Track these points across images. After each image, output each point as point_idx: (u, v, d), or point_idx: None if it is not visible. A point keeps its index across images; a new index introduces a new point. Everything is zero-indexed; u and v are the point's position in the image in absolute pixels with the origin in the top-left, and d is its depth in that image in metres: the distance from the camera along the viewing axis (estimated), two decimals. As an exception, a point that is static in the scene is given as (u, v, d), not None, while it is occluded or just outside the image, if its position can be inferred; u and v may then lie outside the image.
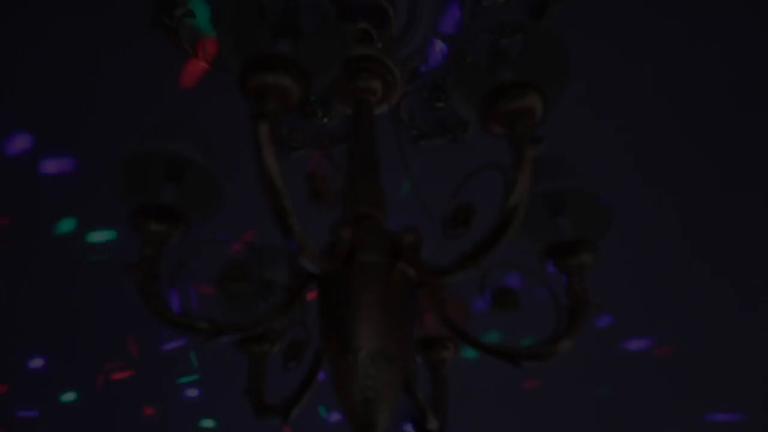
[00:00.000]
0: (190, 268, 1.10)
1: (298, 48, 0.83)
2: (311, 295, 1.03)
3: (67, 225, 1.99)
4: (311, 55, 0.85)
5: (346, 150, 1.12)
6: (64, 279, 2.21)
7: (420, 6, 1.44)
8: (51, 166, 1.80)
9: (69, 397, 2.73)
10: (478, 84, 0.88)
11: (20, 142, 1.74)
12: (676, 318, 2.40)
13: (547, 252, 0.98)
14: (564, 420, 2.92)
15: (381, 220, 1.00)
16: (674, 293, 2.28)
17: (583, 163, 1.79)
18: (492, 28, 0.89)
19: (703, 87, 1.62)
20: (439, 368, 1.11)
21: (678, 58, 1.56)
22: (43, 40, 1.50)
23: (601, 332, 2.43)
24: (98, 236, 2.05)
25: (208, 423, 2.88)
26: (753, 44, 1.51)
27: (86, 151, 1.76)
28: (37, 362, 2.55)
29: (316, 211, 1.00)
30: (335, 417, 2.83)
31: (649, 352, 2.53)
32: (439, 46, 1.57)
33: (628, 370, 2.64)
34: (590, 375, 2.66)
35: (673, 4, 1.44)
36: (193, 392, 2.71)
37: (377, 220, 1.00)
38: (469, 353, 2.56)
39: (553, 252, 0.98)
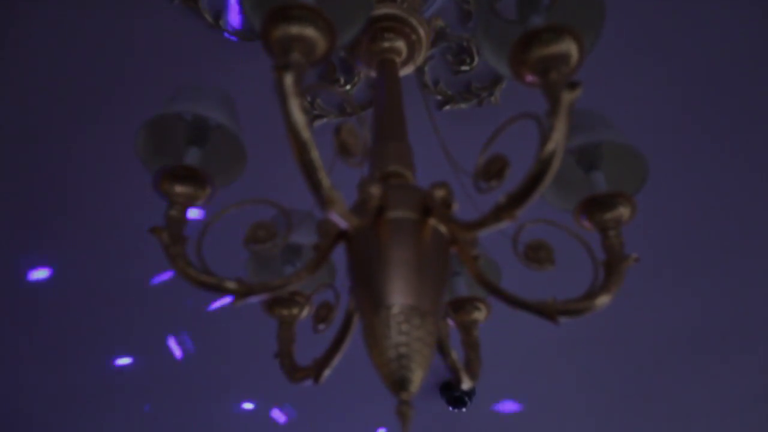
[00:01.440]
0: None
1: (323, -1, 0.81)
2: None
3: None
4: (336, 6, 0.82)
5: (372, 112, 1.10)
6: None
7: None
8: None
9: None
10: (509, 31, 0.85)
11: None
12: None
13: (581, 207, 0.95)
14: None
15: (410, 178, 0.98)
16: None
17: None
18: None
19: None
20: (471, 329, 1.09)
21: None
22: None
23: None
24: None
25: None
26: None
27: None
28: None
29: (345, 172, 0.98)
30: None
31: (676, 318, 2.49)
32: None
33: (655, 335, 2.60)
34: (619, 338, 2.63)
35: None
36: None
37: (406, 178, 0.98)
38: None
39: (589, 207, 0.95)
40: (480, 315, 1.11)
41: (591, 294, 0.87)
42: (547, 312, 0.86)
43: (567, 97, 0.74)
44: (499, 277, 1.09)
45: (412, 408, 0.75)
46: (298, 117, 0.74)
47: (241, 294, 0.86)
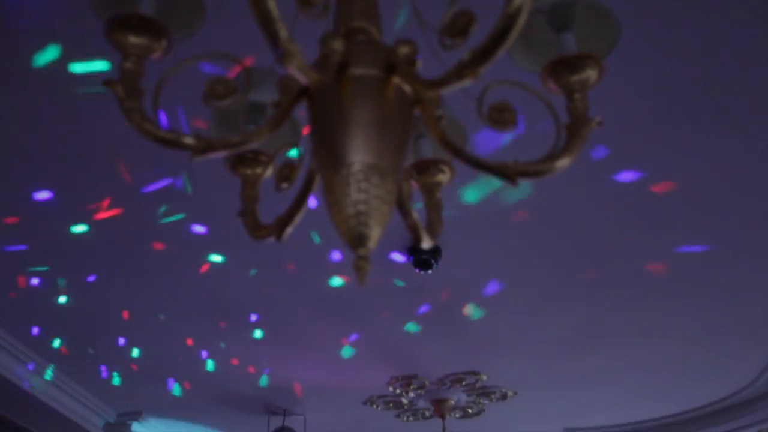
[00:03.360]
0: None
1: None
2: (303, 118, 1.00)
3: (50, 54, 1.91)
4: None
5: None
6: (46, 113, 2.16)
7: None
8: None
9: (80, 229, 2.78)
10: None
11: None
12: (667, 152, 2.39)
13: (549, 68, 0.93)
14: (548, 248, 2.99)
15: (375, 35, 0.94)
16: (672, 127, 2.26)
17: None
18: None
19: None
20: (434, 191, 1.10)
21: None
22: None
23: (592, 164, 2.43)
24: (87, 67, 1.97)
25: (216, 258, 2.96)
26: None
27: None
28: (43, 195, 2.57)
29: (308, 26, 0.93)
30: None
31: (639, 184, 2.54)
32: None
33: (616, 201, 2.67)
34: (575, 204, 2.69)
35: None
36: (200, 229, 2.76)
37: (371, 34, 0.94)
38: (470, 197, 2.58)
39: (556, 68, 0.93)
40: (444, 177, 1.11)
41: (552, 156, 0.87)
42: (507, 173, 0.86)
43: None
44: (465, 139, 1.09)
45: (369, 263, 0.77)
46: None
47: (199, 149, 0.85)
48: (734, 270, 3.12)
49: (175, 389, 4.31)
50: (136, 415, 4.72)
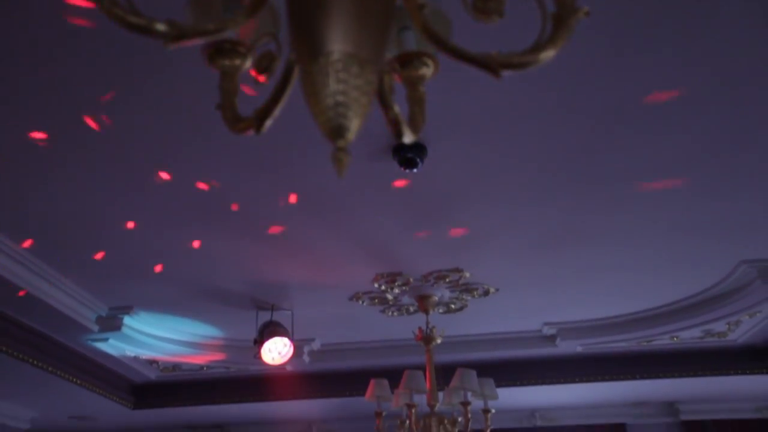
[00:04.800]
0: None
1: None
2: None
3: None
4: None
5: None
6: None
7: None
8: None
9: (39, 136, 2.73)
10: None
11: None
12: None
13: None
14: (554, 154, 2.99)
15: None
16: None
17: None
18: None
19: None
20: (417, 85, 1.07)
21: None
22: None
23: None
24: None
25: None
26: None
27: None
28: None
29: None
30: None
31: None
32: None
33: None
34: (586, 111, 2.67)
35: None
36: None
37: None
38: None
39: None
40: (427, 71, 1.08)
41: (536, 47, 0.85)
42: (490, 65, 0.84)
43: None
44: (448, 30, 1.05)
45: (348, 154, 0.77)
46: None
47: (172, 37, 0.82)
48: (711, 169, 3.16)
49: (165, 283, 4.38)
50: (127, 309, 4.83)
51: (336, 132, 0.77)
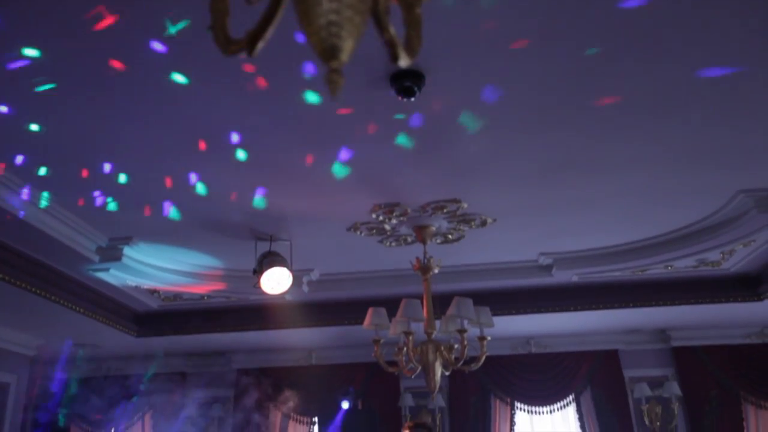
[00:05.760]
0: None
1: None
2: None
3: None
4: None
5: None
6: None
7: None
8: None
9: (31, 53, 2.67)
10: None
11: None
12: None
13: None
14: (551, 80, 2.95)
15: None
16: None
17: None
18: None
19: None
20: (414, 7, 1.04)
21: None
22: None
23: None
24: None
25: (178, 78, 2.85)
26: None
27: None
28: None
29: None
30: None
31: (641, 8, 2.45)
32: None
33: (621, 28, 2.59)
34: (580, 33, 2.61)
35: None
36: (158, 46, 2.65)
37: None
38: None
39: None
40: (424, -9, 1.05)
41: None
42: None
43: None
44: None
45: (342, 76, 0.75)
46: None
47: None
48: (708, 100, 3.12)
49: (164, 214, 4.39)
50: (127, 240, 4.86)
51: (329, 52, 0.75)
